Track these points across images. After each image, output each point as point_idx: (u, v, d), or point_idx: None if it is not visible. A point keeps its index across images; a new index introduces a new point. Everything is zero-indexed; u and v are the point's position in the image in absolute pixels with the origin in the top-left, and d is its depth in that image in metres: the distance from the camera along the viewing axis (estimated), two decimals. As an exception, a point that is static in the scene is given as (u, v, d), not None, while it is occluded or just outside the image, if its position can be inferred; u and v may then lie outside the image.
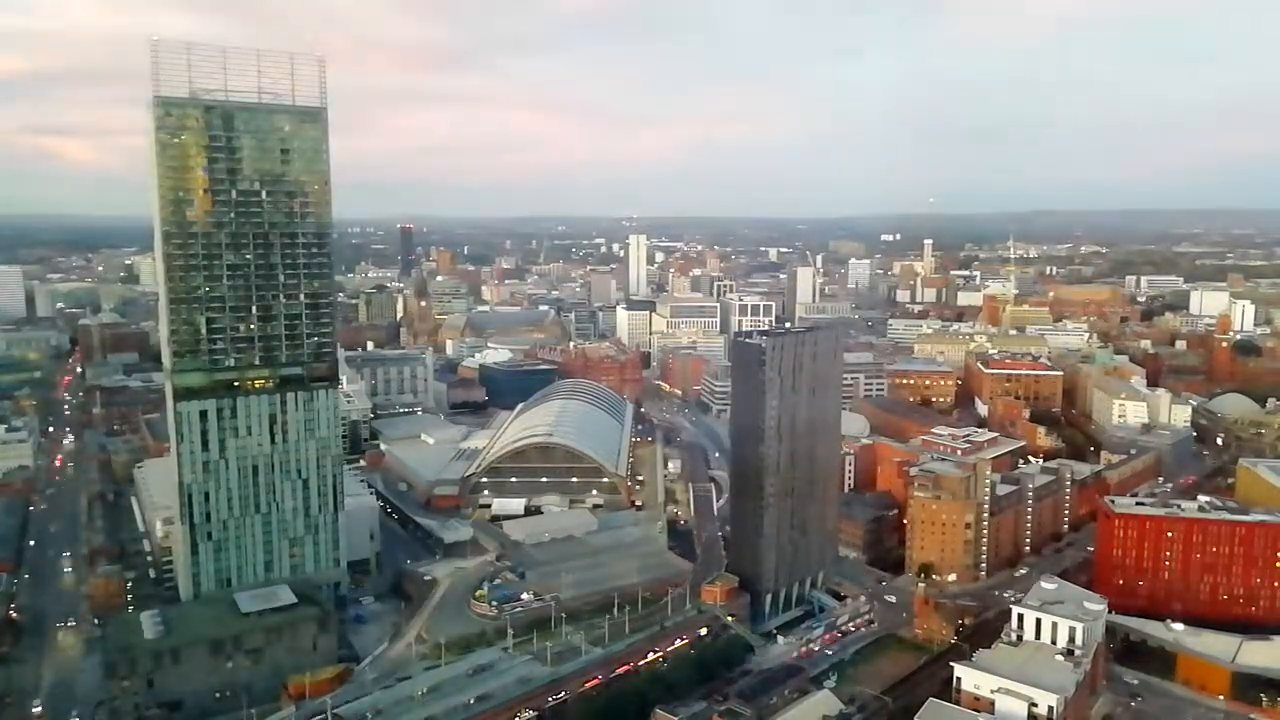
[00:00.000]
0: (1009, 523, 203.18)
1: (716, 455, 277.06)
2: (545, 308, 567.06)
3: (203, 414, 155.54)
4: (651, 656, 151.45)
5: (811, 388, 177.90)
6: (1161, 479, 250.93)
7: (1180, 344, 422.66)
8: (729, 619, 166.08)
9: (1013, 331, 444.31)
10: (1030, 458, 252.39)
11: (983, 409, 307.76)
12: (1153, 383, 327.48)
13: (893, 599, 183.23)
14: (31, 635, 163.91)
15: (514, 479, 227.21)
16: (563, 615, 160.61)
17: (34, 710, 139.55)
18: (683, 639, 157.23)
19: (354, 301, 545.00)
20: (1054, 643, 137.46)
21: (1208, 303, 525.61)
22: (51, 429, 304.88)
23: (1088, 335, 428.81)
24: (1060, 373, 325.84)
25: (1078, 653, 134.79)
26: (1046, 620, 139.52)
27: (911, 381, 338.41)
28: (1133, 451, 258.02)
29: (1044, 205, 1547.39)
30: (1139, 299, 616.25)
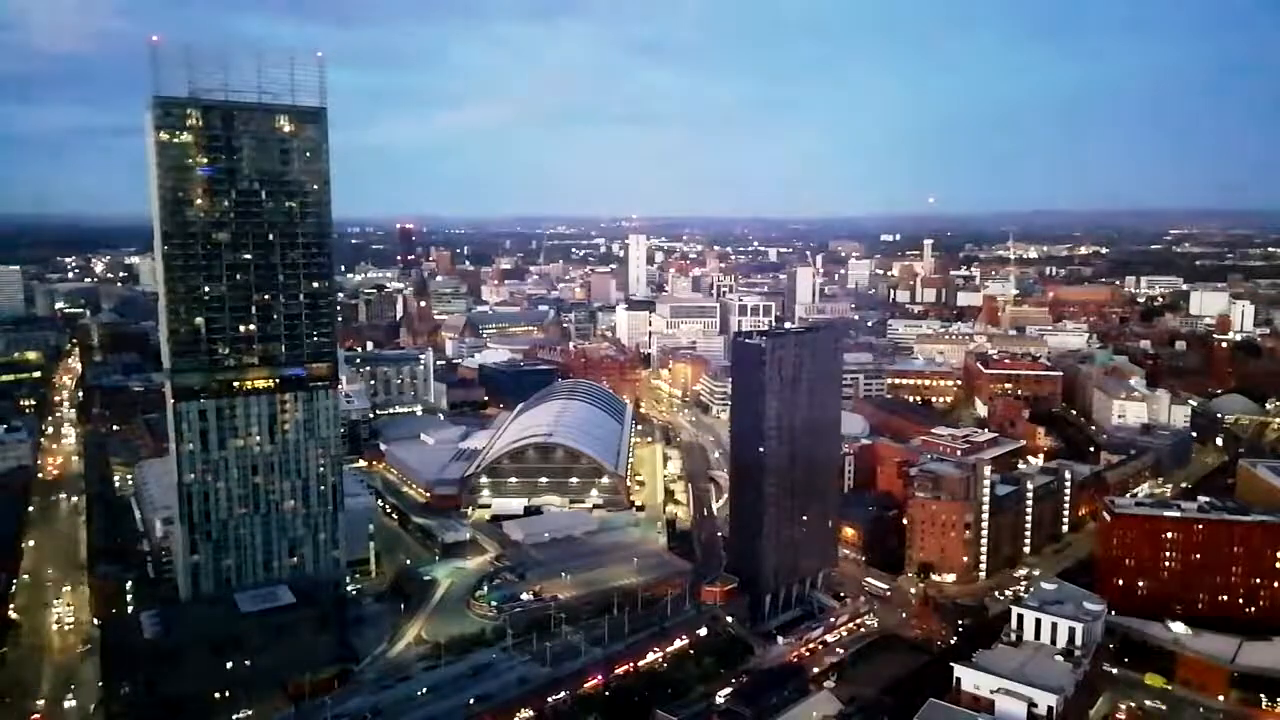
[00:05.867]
0: (1009, 523, 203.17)
1: (716, 455, 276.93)
2: (545, 308, 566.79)
3: (202, 414, 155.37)
4: (651, 656, 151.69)
5: (811, 388, 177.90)
6: (1161, 479, 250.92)
7: (1180, 344, 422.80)
8: (729, 619, 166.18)
9: (1012, 332, 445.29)
10: (1030, 458, 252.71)
11: (982, 409, 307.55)
12: (1152, 383, 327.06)
13: (892, 599, 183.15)
14: (30, 636, 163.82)
15: (514, 479, 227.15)
16: (563, 615, 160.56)
17: (33, 713, 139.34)
18: (683, 639, 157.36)
19: (354, 301, 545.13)
20: (1054, 643, 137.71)
21: (1207, 303, 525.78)
22: (51, 429, 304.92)
23: (1087, 335, 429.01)
24: (1060, 373, 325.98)
25: (1077, 653, 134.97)
26: (1046, 620, 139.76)
27: (911, 382, 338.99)
28: (1132, 452, 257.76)
29: (1044, 205, 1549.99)
30: (1139, 299, 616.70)
